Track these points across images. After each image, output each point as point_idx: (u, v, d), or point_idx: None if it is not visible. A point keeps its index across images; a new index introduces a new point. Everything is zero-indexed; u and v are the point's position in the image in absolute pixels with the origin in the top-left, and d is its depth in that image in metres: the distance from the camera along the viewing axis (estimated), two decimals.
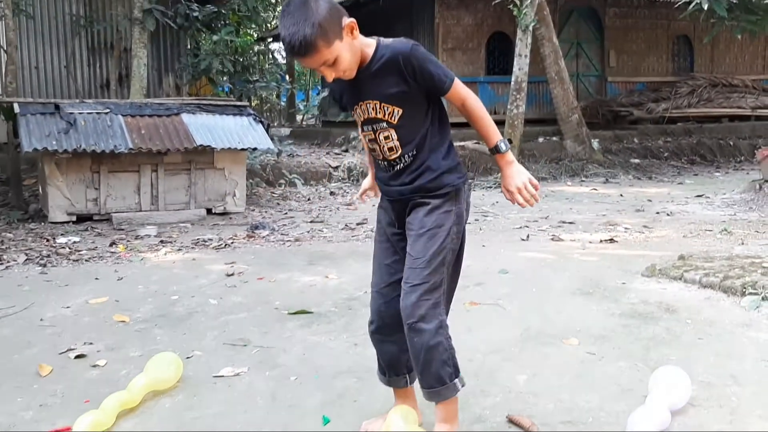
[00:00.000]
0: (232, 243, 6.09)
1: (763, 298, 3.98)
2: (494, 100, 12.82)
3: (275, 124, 19.14)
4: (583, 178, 10.66)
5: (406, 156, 2.33)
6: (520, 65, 10.65)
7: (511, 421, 2.60)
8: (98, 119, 7.08)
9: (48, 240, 6.14)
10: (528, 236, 6.27)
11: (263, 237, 6.36)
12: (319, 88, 17.60)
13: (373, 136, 2.34)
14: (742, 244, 5.67)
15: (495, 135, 2.34)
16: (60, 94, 10.56)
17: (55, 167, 6.81)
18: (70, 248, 5.84)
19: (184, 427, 2.61)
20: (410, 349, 2.35)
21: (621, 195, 8.92)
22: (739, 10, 8.70)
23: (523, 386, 2.95)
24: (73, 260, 5.47)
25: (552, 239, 6.15)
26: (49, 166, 6.79)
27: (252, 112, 7.92)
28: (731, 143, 13.12)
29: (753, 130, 13.64)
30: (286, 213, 7.74)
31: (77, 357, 3.34)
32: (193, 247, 5.92)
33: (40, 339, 3.63)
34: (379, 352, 2.56)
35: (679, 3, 9.94)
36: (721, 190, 9.17)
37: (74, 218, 6.87)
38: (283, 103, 21.17)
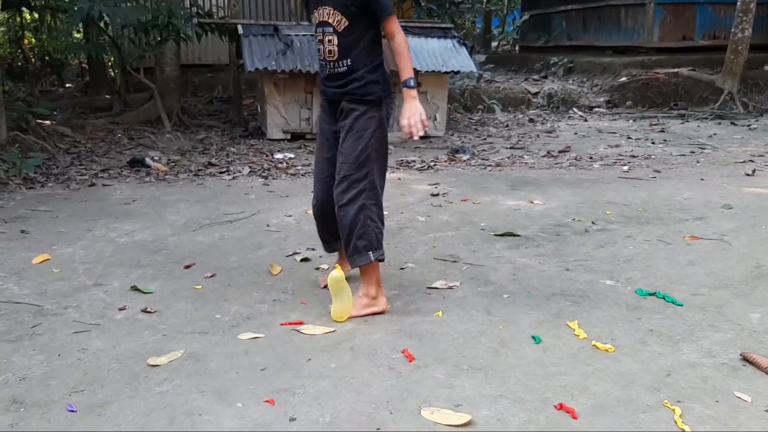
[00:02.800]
0: (434, 165, 6.17)
1: None
2: (715, 23, 11.60)
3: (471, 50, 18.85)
4: None
5: (342, 62, 2.81)
6: None
7: (746, 359, 2.43)
8: (312, 41, 7.36)
9: (267, 155, 6.59)
10: (754, 171, 5.72)
11: (464, 161, 6.37)
12: (516, 13, 16.99)
13: (321, 38, 2.83)
14: None
15: (409, 72, 2.82)
16: (276, 17, 11.09)
17: (274, 87, 7.22)
18: (287, 163, 6.23)
19: (405, 331, 2.72)
20: (339, 225, 2.89)
21: None
22: None
23: (757, 324, 2.74)
24: (291, 174, 5.84)
25: None
26: (269, 86, 7.22)
27: (456, 34, 7.83)
28: None
29: None
30: (484, 138, 7.68)
31: (303, 260, 3.59)
32: (398, 168, 6.08)
33: (269, 242, 3.94)
34: (319, 225, 3.13)
35: None
36: None
37: (288, 136, 7.30)
38: (479, 28, 20.74)
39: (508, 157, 6.57)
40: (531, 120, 9.00)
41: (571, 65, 11.97)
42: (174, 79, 8.25)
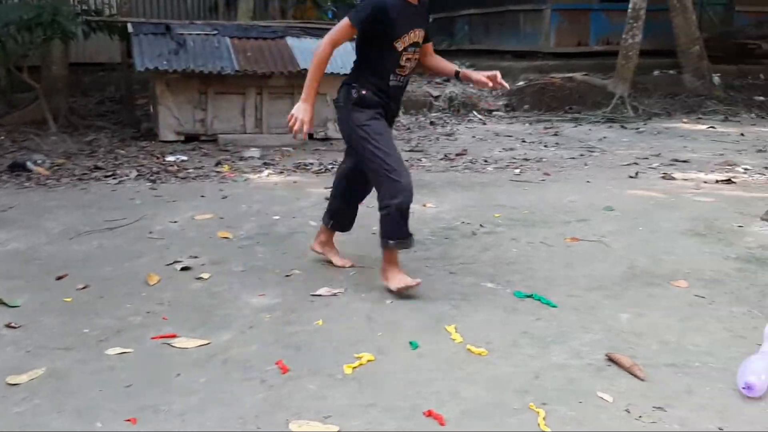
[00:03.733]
0: (332, 168, 6.12)
1: None
2: (608, 29, 12.09)
3: None
4: (701, 115, 9.99)
5: (408, 76, 3.23)
6: None
7: (611, 359, 2.51)
8: (206, 41, 7.18)
9: (158, 158, 6.37)
10: (637, 173, 5.97)
11: None
12: None
13: (410, 57, 3.15)
14: None
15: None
16: (170, 16, 10.77)
17: (165, 87, 6.99)
18: (178, 166, 6.04)
19: (283, 342, 2.67)
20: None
21: (741, 134, 8.32)
22: None
23: (625, 325, 2.84)
24: (181, 178, 5.66)
25: (663, 177, 5.83)
26: (160, 86, 6.99)
27: (355, 37, 7.79)
28: None
29: None
30: None
31: (183, 269, 3.47)
32: (294, 171, 6.00)
33: (150, 250, 3.79)
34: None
35: None
36: None
37: (182, 138, 7.09)
38: None
39: (407, 160, 6.58)
40: (432, 123, 9.10)
41: (473, 69, 12.19)
42: (62, 78, 7.86)
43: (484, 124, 9.27)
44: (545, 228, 4.27)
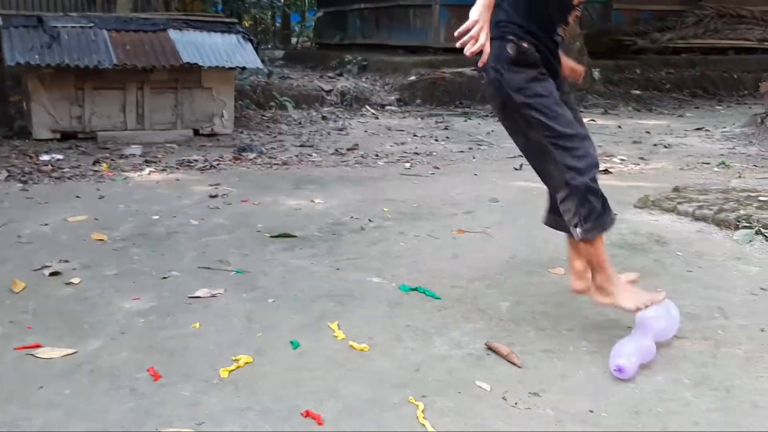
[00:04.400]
0: (218, 165, 5.95)
1: (756, 232, 3.89)
2: None
3: (269, 45, 18.66)
4: (582, 109, 10.41)
5: None
6: None
7: (490, 348, 2.54)
8: (82, 34, 6.80)
9: (31, 157, 5.99)
10: (521, 165, 6.12)
11: (250, 159, 6.22)
12: (315, 9, 17.09)
13: (576, 17, 2.69)
14: (739, 177, 5.56)
15: None
16: (44, 8, 10.17)
17: (39, 83, 6.58)
18: (52, 165, 5.70)
19: (157, 347, 2.55)
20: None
21: (619, 126, 8.74)
22: None
23: (505, 313, 2.89)
24: (55, 178, 5.34)
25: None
26: (33, 82, 6.57)
27: (241, 29, 7.62)
28: (735, 76, 12.79)
29: (759, 63, 13.26)
30: (275, 136, 7.57)
31: (52, 274, 3.26)
32: (177, 168, 5.79)
33: (16, 255, 3.54)
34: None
35: None
36: (722, 123, 8.97)
37: (59, 136, 6.70)
38: (278, 24, 20.61)
39: (297, 156, 6.51)
40: (324, 117, 9.03)
41: (365, 63, 12.22)
42: None
43: (377, 118, 9.29)
44: (433, 221, 4.31)
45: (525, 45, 2.42)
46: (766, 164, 6.27)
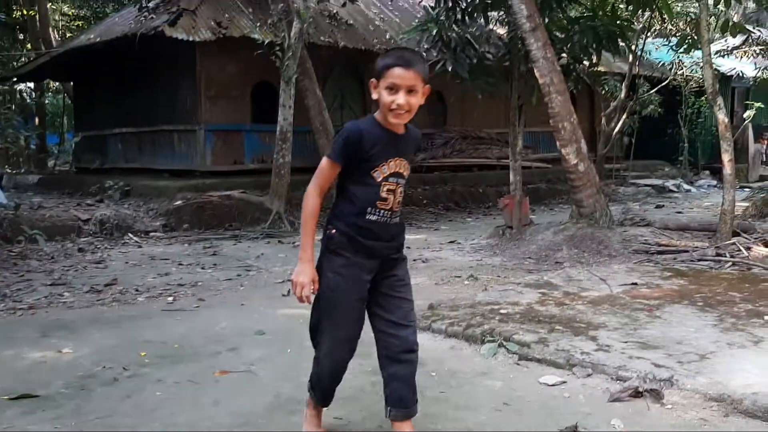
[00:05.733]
0: None
1: (499, 345, 4.23)
2: (262, 149, 12.72)
3: (22, 170, 17.38)
4: None
5: (397, 212, 2.85)
6: (285, 116, 10.72)
7: None
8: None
9: None
10: (289, 291, 6.18)
11: None
12: (73, 132, 16.35)
13: (394, 188, 2.80)
14: (485, 290, 6.06)
15: None
16: None
17: None
18: None
19: None
20: (406, 373, 2.97)
21: None
22: (478, 72, 9.51)
23: None
24: None
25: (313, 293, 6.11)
26: None
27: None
28: (480, 190, 14.28)
29: (499, 178, 14.91)
30: (22, 275, 6.92)
31: None
32: None
33: None
34: (336, 385, 3.08)
35: (430, 62, 10.65)
36: (471, 235, 9.83)
37: None
38: (32, 148, 19.33)
39: (46, 297, 5.99)
40: (81, 249, 8.47)
41: (128, 188, 11.82)
42: None
43: (140, 247, 8.92)
44: (194, 362, 4.14)
45: (334, 231, 2.91)
46: (508, 274, 6.94)
